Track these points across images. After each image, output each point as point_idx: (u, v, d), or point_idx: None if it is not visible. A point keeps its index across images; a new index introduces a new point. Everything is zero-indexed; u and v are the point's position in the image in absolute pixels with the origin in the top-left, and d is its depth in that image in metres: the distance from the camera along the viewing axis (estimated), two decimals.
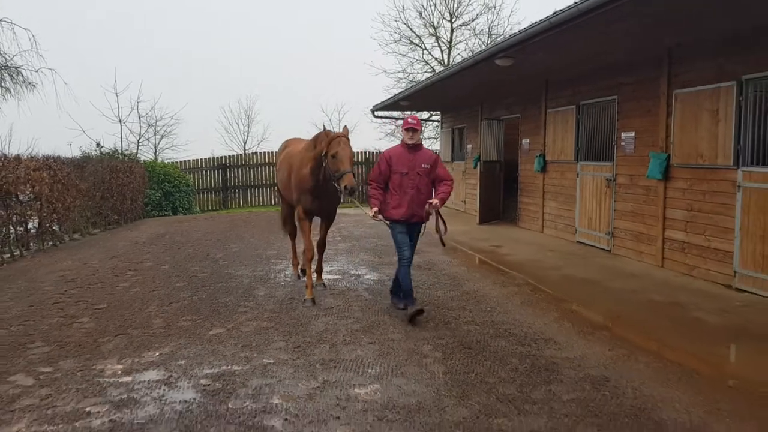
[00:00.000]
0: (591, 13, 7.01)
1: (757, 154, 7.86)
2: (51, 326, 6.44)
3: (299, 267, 8.80)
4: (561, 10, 7.80)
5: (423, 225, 6.73)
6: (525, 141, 14.91)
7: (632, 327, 6.33)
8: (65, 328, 6.38)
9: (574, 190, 12.33)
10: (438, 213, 6.66)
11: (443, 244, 6.84)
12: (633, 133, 10.37)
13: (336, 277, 8.85)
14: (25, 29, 36.62)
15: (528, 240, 12.79)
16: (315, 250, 7.77)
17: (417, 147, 6.63)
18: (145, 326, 6.38)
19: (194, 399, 4.46)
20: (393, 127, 28.40)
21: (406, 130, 6.63)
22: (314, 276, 7.88)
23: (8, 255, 11.17)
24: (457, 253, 11.11)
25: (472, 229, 14.70)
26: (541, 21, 8.36)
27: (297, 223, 8.01)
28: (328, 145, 6.90)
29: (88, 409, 4.27)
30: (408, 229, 6.64)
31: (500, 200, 16.49)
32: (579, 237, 12.14)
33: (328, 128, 7.17)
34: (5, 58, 28.82)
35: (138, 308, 7.15)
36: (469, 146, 18.74)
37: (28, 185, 11.69)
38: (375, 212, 6.57)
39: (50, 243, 12.89)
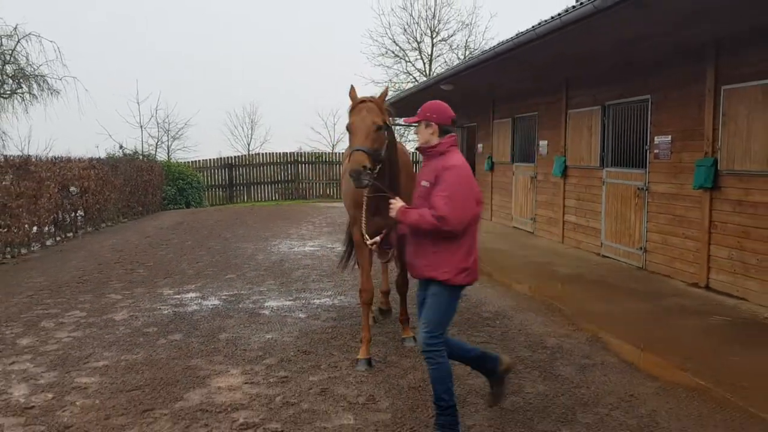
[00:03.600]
0: (487, 63, 10.16)
1: (614, 159, 11.01)
2: (119, 274, 9.66)
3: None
4: (472, 57, 10.97)
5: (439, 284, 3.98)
6: (479, 145, 18.08)
7: (506, 274, 9.46)
8: (129, 274, 9.61)
9: (511, 186, 15.49)
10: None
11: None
12: (546, 142, 13.53)
13: (316, 248, 12.05)
14: (51, 41, 40.04)
15: None
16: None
17: (431, 152, 4.12)
18: (182, 274, 9.60)
19: (219, 303, 7.67)
20: None
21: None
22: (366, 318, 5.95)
23: (63, 236, 14.38)
24: None
25: None
26: (463, 62, 11.55)
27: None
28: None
29: (159, 307, 7.50)
30: (422, 287, 4.22)
31: None
32: (514, 223, 15.30)
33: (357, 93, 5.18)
34: (33, 68, 32.21)
35: (175, 265, 10.37)
36: None
37: (78, 181, 14.89)
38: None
39: (91, 228, 16.11)
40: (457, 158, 4.03)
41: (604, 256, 10.99)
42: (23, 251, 12.01)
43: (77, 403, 4.56)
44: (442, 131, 4.09)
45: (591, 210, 11.57)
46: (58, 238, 13.99)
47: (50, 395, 4.71)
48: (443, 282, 3.93)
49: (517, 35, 8.69)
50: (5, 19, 36.56)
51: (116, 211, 18.13)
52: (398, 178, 5.23)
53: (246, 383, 4.96)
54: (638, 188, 9.97)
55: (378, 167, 4.77)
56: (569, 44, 8.31)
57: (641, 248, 9.90)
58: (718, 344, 6.00)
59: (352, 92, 5.08)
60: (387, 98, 5.35)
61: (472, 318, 6.91)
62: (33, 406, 4.51)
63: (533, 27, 8.06)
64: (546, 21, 7.73)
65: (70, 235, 14.64)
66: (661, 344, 6.01)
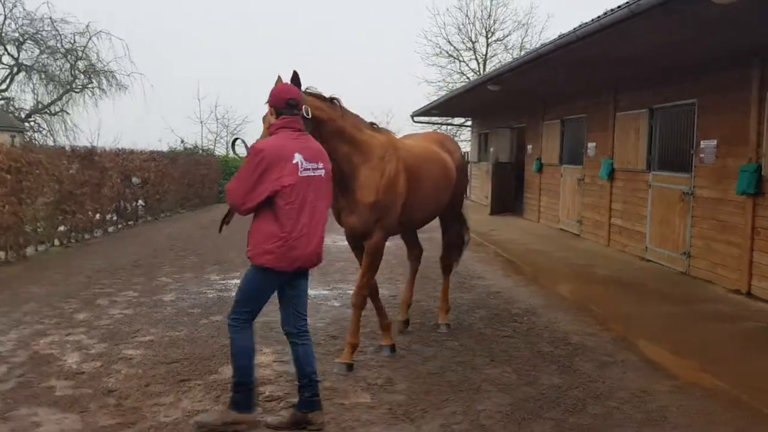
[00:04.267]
0: (530, 64, 10.25)
1: (660, 162, 10.92)
2: (171, 260, 10.22)
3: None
4: (516, 58, 11.08)
5: None
6: (529, 146, 18.07)
7: (543, 274, 9.54)
8: (180, 260, 10.16)
9: (559, 187, 15.45)
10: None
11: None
12: (594, 144, 13.47)
13: None
14: (120, 39, 41.90)
15: (521, 227, 15.99)
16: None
17: (270, 134, 4.31)
18: (230, 262, 10.09)
19: None
20: (431, 130, 31.82)
21: None
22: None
23: (125, 224, 15.18)
24: None
25: (483, 218, 17.95)
26: (507, 63, 11.67)
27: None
28: None
29: (205, 291, 7.96)
30: None
31: (511, 195, 19.62)
32: (561, 225, 15.26)
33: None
34: (103, 64, 33.77)
35: (224, 253, 10.89)
36: (491, 149, 21.95)
37: (139, 172, 15.68)
38: None
39: (150, 217, 16.92)
40: (267, 141, 4.07)
41: (648, 261, 10.90)
42: (87, 236, 12.76)
43: (122, 372, 4.99)
44: (279, 113, 4.11)
45: (636, 213, 11.49)
46: (119, 226, 14.77)
47: (99, 364, 5.16)
48: (249, 258, 4.16)
49: (559, 37, 8.77)
50: (78, 18, 38.45)
51: (175, 202, 18.94)
52: (347, 173, 5.17)
53: (275, 361, 5.30)
54: (683, 192, 9.88)
55: None
56: (609, 47, 8.35)
57: (685, 253, 9.80)
58: (747, 349, 6.00)
59: (278, 83, 4.70)
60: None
61: (501, 314, 7.08)
62: (83, 372, 4.96)
63: (574, 29, 8.14)
64: (586, 23, 7.82)
65: (131, 223, 15.43)
66: (687, 346, 6.04)
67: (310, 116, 4.61)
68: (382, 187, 5.25)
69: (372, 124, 5.57)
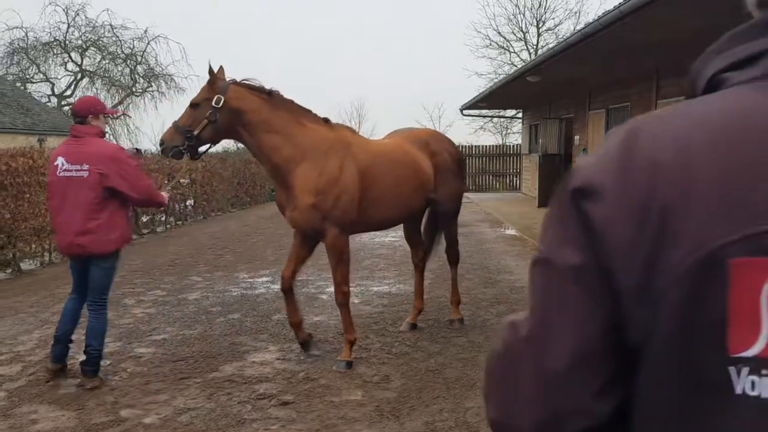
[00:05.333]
0: (563, 53, 10.00)
1: None
2: (208, 259, 10.49)
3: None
4: (549, 49, 10.82)
5: None
6: (576, 137, 17.63)
7: None
8: (216, 259, 10.42)
9: None
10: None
11: None
12: None
13: (396, 239, 12.36)
14: (177, 42, 43.23)
15: None
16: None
17: None
18: (263, 260, 10.28)
19: None
20: (482, 122, 31.44)
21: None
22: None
23: (173, 223, 15.68)
24: (500, 226, 14.27)
25: (530, 210, 17.65)
26: (541, 54, 11.41)
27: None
28: None
29: (230, 289, 8.14)
30: None
31: None
32: None
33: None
34: (161, 68, 34.86)
35: (260, 251, 11.10)
36: (540, 141, 21.53)
37: (187, 173, 16.15)
38: None
39: (201, 217, 17.40)
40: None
41: None
42: (133, 237, 13.23)
43: (128, 370, 5.17)
44: None
45: None
46: (168, 226, 15.27)
47: (108, 362, 5.34)
48: None
49: (585, 26, 8.53)
50: (137, 23, 39.94)
51: (225, 201, 19.43)
52: (281, 167, 5.05)
53: (278, 359, 5.37)
54: None
55: (190, 143, 4.94)
56: (636, 34, 8.06)
57: None
58: None
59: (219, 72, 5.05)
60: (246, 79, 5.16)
61: (519, 309, 6.90)
62: None
63: (597, 18, 7.90)
64: (608, 11, 7.56)
65: (179, 222, 15.92)
66: None
67: (220, 105, 4.86)
68: (322, 185, 5.02)
69: (325, 120, 5.38)
